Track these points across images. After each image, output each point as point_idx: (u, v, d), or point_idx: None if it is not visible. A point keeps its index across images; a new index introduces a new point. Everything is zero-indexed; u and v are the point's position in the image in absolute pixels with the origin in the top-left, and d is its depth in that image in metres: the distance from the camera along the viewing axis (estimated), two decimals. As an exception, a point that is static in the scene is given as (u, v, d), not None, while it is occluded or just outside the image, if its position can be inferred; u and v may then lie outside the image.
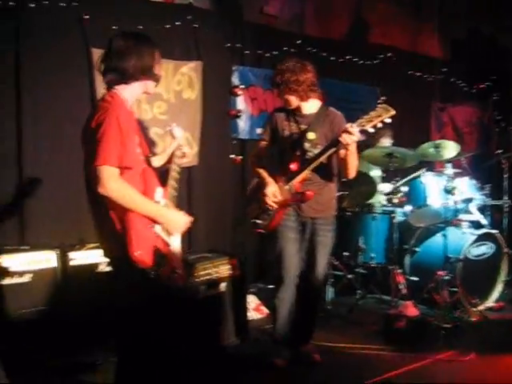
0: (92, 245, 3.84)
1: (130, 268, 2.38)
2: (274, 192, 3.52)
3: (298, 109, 3.63)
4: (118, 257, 2.48)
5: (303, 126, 3.61)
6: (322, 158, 3.45)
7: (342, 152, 3.44)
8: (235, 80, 5.50)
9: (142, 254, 2.37)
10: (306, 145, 3.52)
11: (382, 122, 3.31)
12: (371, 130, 3.34)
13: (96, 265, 3.82)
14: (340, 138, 3.28)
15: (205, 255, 3.99)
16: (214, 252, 4.12)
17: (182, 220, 2.63)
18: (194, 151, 5.06)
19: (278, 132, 3.68)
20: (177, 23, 4.96)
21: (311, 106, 3.64)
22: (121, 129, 2.40)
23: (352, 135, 3.25)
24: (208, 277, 3.79)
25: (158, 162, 2.92)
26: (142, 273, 2.41)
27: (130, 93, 2.60)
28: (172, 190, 2.74)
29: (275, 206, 3.51)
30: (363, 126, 3.29)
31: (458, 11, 7.73)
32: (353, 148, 3.37)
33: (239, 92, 5.34)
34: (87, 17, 4.42)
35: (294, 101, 3.57)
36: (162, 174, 2.76)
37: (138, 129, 2.64)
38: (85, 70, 4.47)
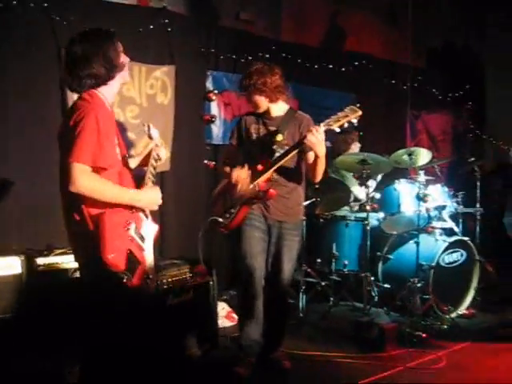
0: (60, 250, 3.75)
1: (102, 271, 2.33)
2: (242, 177, 3.50)
3: (267, 112, 3.66)
4: (89, 260, 2.42)
5: (272, 128, 3.64)
6: (288, 158, 3.47)
7: (311, 156, 3.47)
8: (209, 85, 5.47)
9: (115, 257, 2.32)
10: (274, 146, 3.54)
11: (349, 122, 3.35)
12: (337, 130, 3.38)
13: (65, 270, 3.72)
14: (305, 140, 3.31)
15: (173, 262, 3.94)
16: (184, 258, 4.06)
17: (157, 196, 2.64)
18: (166, 156, 5.00)
19: (247, 135, 3.70)
20: (150, 27, 4.90)
21: (279, 109, 3.68)
22: (99, 129, 2.37)
23: (317, 134, 3.26)
24: (176, 284, 3.72)
25: (133, 163, 2.89)
26: (114, 277, 2.35)
27: (109, 90, 2.58)
28: None
29: (243, 191, 3.50)
30: (330, 125, 3.32)
31: (432, 21, 7.82)
32: (321, 152, 3.36)
33: (213, 97, 5.28)
34: (58, 18, 4.36)
35: (262, 102, 3.60)
36: (137, 177, 2.72)
37: (117, 129, 2.60)
38: (54, 70, 4.38)
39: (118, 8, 4.80)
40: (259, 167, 3.50)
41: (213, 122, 5.34)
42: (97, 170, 2.38)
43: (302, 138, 3.39)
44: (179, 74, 5.20)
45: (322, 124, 3.32)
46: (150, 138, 2.90)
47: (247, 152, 3.70)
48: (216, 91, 5.36)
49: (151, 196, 2.62)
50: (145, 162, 2.85)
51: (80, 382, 2.52)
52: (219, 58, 5.59)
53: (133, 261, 2.42)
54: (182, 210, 5.27)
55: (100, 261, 2.29)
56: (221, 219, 3.54)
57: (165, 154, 2.91)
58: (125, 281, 2.36)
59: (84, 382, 2.51)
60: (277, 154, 3.53)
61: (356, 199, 5.39)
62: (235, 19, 5.97)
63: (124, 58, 2.62)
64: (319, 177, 3.60)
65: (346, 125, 3.36)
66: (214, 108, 5.48)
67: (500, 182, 7.85)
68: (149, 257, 2.57)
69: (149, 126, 2.91)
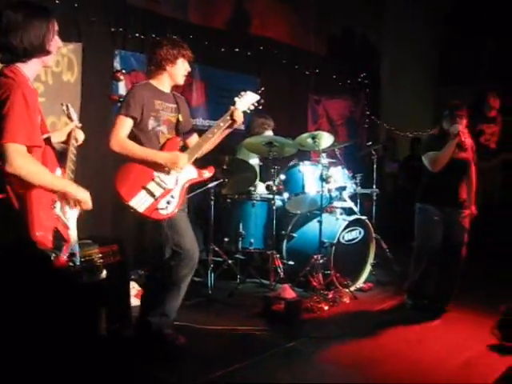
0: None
1: (29, 250, 2.30)
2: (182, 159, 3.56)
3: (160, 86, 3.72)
4: (14, 239, 2.37)
5: (171, 105, 3.71)
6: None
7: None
8: (117, 64, 5.41)
9: (43, 235, 2.29)
10: (179, 125, 3.72)
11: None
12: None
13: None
14: (235, 117, 3.71)
15: (85, 241, 3.89)
16: (95, 238, 4.04)
17: (86, 194, 2.61)
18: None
19: (148, 109, 3.58)
20: (56, 1, 4.77)
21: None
22: (28, 106, 2.31)
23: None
24: (89, 263, 3.70)
25: (54, 138, 2.80)
26: (41, 255, 2.33)
27: (29, 70, 2.47)
28: (69, 172, 2.66)
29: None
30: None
31: (334, 9, 8.13)
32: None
33: (121, 77, 5.26)
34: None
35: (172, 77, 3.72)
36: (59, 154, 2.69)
37: (39, 108, 2.53)
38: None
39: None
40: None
41: (121, 101, 5.29)
42: (31, 148, 2.34)
43: (231, 117, 3.72)
44: (86, 52, 5.11)
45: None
46: (70, 118, 2.87)
47: (151, 128, 3.60)
48: (124, 71, 5.35)
49: (83, 195, 2.58)
50: (67, 141, 2.80)
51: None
52: (127, 38, 5.54)
53: (59, 239, 2.42)
54: (89, 189, 5.18)
55: (27, 239, 2.27)
56: (161, 210, 3.48)
57: (82, 136, 2.89)
58: (52, 259, 2.35)
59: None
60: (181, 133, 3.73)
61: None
62: (142, -2, 5.92)
63: (54, 43, 2.52)
64: None
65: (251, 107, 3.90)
66: (122, 88, 5.42)
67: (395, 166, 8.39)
68: (73, 235, 2.58)
69: (67, 106, 2.89)
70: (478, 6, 8.38)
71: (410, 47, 8.91)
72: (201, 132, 5.94)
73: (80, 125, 2.90)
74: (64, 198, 2.53)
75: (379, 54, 9.19)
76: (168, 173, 3.54)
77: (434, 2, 8.83)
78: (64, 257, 2.44)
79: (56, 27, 2.54)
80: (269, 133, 5.76)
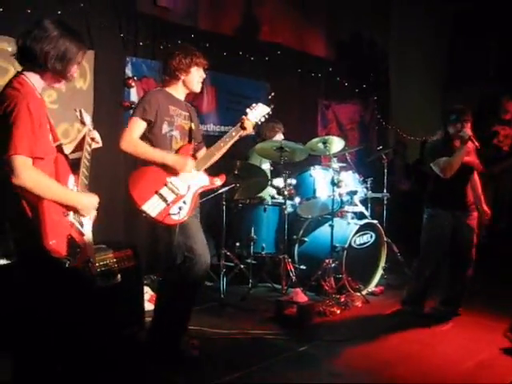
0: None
1: (43, 258, 2.32)
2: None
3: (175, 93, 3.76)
4: (28, 248, 2.40)
5: (184, 113, 3.75)
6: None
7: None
8: (128, 71, 5.47)
9: (56, 243, 2.32)
10: (192, 133, 3.75)
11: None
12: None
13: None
14: (246, 127, 3.75)
15: (100, 246, 3.94)
16: (110, 243, 4.08)
17: (93, 201, 2.63)
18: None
19: (163, 114, 3.61)
20: (69, 9, 4.83)
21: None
22: (32, 117, 2.35)
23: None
24: (104, 268, 3.75)
25: (67, 150, 2.85)
26: (56, 263, 2.35)
27: (39, 81, 2.51)
28: (83, 178, 2.69)
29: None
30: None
31: (342, 14, 8.17)
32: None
33: (133, 84, 5.30)
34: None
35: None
36: (74, 162, 2.72)
37: (48, 116, 2.56)
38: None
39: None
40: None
41: (132, 108, 5.35)
42: (34, 160, 2.37)
43: (241, 126, 3.77)
44: (98, 60, 5.17)
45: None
46: (83, 123, 2.91)
47: (165, 133, 3.64)
48: (135, 78, 5.40)
49: (89, 202, 2.60)
50: (79, 147, 2.84)
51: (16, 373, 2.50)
52: (138, 45, 5.59)
53: (74, 246, 2.44)
54: (102, 195, 5.21)
55: (41, 248, 2.29)
56: (173, 215, 3.48)
57: (98, 136, 2.93)
58: (67, 266, 2.37)
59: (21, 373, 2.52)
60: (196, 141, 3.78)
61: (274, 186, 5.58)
62: (152, 5, 5.97)
63: (73, 72, 2.58)
64: None
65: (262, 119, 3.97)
66: (134, 95, 5.48)
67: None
68: (88, 241, 2.60)
69: (81, 112, 2.93)
70: (486, 7, 8.35)
71: (417, 50, 8.91)
72: (211, 138, 6.07)
73: (93, 128, 2.93)
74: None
75: (387, 58, 9.20)
76: (181, 179, 3.57)
77: (441, 3, 8.82)
78: (79, 263, 2.46)
79: (81, 60, 2.60)
80: (279, 136, 5.79)
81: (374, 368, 3.64)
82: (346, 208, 5.56)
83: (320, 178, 5.37)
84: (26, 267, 2.50)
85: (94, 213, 2.69)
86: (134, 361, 3.54)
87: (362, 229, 5.36)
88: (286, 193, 5.20)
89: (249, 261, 5.41)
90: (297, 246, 5.50)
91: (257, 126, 4.19)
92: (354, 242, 5.26)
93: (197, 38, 6.06)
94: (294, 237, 5.50)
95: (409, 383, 3.45)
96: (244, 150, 5.78)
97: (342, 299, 4.86)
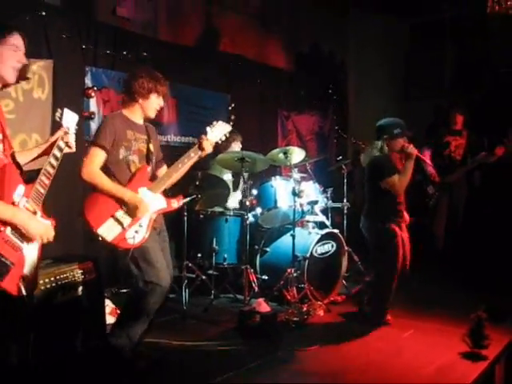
0: None
1: None
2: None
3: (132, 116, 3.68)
4: None
5: (142, 137, 3.67)
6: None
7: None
8: (88, 81, 5.40)
9: None
10: (150, 154, 3.66)
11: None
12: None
13: None
14: (205, 148, 3.70)
15: (59, 258, 3.87)
16: (69, 256, 4.01)
17: (40, 227, 2.49)
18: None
19: (120, 139, 3.53)
20: (26, 18, 4.75)
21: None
22: None
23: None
24: (64, 281, 3.67)
25: (35, 152, 2.77)
26: None
27: None
28: (39, 187, 2.53)
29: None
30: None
31: (301, 26, 8.29)
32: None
33: (92, 94, 5.24)
34: None
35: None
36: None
37: (2, 125, 2.49)
38: None
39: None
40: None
41: (92, 118, 5.32)
42: None
43: (199, 147, 3.71)
44: (57, 69, 5.09)
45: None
46: (60, 123, 2.76)
47: (122, 159, 3.55)
48: (95, 88, 5.35)
49: (35, 225, 2.46)
50: (48, 151, 2.70)
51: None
52: (98, 55, 5.54)
53: (3, 264, 2.32)
54: (61, 207, 5.15)
55: None
56: (129, 239, 3.40)
57: (74, 141, 2.80)
58: None
59: None
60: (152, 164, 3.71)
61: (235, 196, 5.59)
62: (112, 15, 5.93)
63: (16, 62, 2.52)
64: None
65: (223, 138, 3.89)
66: (93, 105, 5.42)
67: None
68: (29, 257, 2.48)
69: (62, 111, 2.78)
70: (442, 20, 8.58)
71: (375, 62, 9.07)
72: (172, 148, 6.06)
73: (72, 131, 2.81)
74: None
75: (346, 69, 9.36)
76: None
77: (398, 16, 9.00)
78: (7, 282, 2.32)
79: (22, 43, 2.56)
80: (237, 145, 5.81)
81: (335, 376, 3.66)
82: (307, 218, 5.63)
83: (281, 188, 5.41)
84: None
85: (51, 235, 2.56)
86: (95, 374, 3.47)
87: (323, 238, 5.41)
88: (247, 203, 5.22)
89: (211, 272, 5.40)
90: (258, 256, 5.52)
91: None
92: (316, 251, 5.31)
93: (157, 49, 6.07)
94: (256, 247, 5.52)
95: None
96: (205, 161, 5.77)
97: (305, 308, 4.88)
